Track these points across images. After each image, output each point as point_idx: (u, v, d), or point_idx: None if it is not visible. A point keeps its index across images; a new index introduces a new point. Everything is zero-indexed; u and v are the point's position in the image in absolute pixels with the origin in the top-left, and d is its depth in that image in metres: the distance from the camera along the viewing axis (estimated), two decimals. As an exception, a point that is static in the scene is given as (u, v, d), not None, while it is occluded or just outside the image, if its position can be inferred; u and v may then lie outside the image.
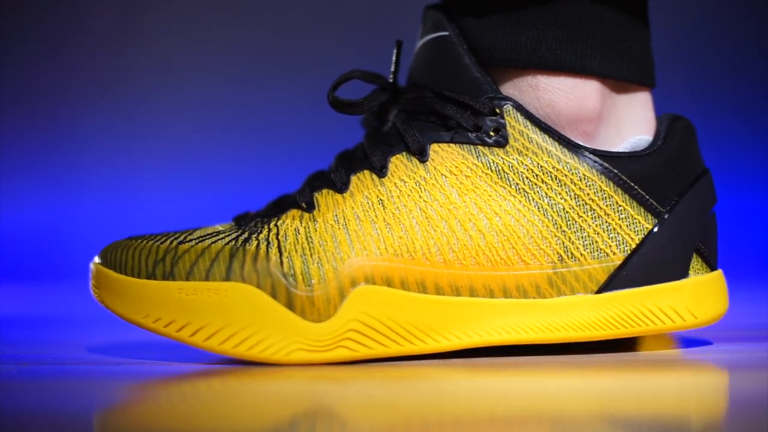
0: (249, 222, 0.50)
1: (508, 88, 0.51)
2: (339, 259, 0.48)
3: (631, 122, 0.52)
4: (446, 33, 0.51)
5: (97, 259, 0.50)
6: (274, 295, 0.47)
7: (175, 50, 1.36)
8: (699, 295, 0.51)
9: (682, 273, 0.50)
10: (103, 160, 1.36)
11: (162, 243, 0.49)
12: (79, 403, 0.40)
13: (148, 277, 0.48)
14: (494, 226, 0.49)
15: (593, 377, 0.46)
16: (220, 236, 0.48)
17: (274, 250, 0.48)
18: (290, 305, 0.47)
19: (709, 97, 1.13)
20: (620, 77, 0.51)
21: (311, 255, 0.48)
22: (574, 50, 0.50)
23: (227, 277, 0.47)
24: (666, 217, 0.50)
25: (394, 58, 0.54)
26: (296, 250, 0.48)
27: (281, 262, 0.47)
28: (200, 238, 0.49)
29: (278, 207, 0.51)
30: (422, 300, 0.48)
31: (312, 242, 0.48)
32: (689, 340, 0.56)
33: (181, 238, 0.49)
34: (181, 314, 0.47)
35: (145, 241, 0.49)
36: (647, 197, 0.50)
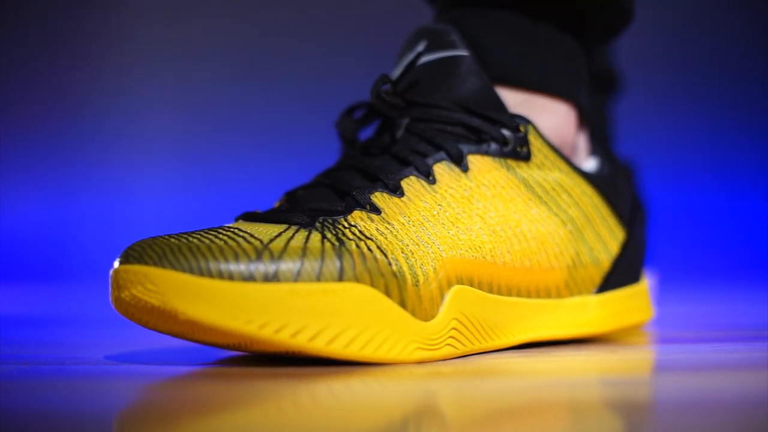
0: (304, 217, 0.47)
1: (516, 109, 0.54)
2: (435, 259, 0.48)
3: (579, 146, 0.58)
4: (465, 53, 0.52)
5: (163, 263, 0.43)
6: (388, 295, 0.46)
7: (176, 51, 1.36)
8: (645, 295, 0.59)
9: (640, 275, 0.59)
10: (103, 160, 1.36)
11: (247, 242, 0.44)
12: (79, 403, 0.40)
13: (246, 280, 0.43)
14: (532, 232, 0.52)
15: (605, 376, 0.46)
16: (298, 232, 0.45)
17: (375, 249, 0.46)
18: (403, 304, 0.46)
19: (710, 97, 1.14)
20: (584, 106, 0.57)
21: (411, 255, 0.47)
22: (570, 79, 0.56)
23: (340, 278, 0.45)
24: (630, 227, 0.57)
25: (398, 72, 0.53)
26: (396, 251, 0.47)
27: (389, 262, 0.46)
28: (276, 236, 0.45)
29: (333, 204, 0.48)
30: (493, 300, 0.50)
31: (404, 243, 0.47)
32: (690, 339, 0.56)
33: (266, 240, 0.45)
34: (294, 318, 0.44)
35: (207, 240, 0.44)
36: (621, 211, 0.56)
